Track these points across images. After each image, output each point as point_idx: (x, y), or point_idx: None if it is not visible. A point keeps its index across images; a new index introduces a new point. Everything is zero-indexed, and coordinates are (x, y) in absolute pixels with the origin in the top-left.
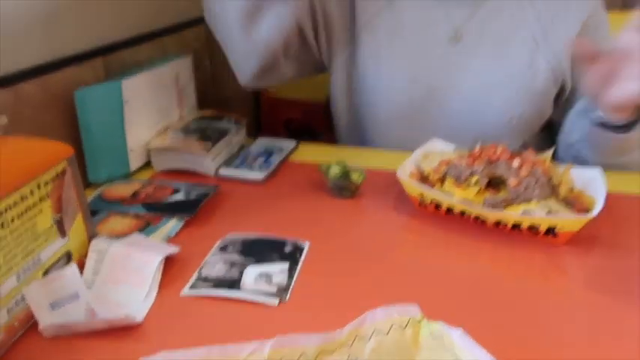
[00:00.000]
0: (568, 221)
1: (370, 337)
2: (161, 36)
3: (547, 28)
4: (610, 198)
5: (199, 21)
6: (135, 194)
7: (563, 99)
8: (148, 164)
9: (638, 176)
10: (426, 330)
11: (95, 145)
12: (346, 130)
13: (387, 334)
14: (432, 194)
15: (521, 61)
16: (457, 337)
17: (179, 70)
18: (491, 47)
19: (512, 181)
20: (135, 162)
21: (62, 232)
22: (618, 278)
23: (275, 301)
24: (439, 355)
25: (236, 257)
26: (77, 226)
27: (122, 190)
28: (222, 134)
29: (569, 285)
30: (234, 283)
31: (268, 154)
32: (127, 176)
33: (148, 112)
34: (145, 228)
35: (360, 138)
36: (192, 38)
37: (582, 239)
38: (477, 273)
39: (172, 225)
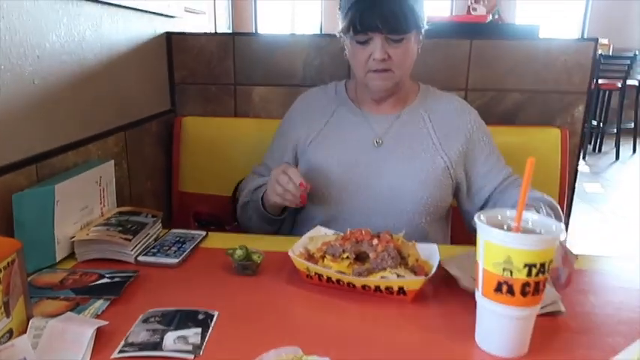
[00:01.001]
0: (411, 282)
1: None
2: (86, 144)
3: (441, 140)
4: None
5: (119, 129)
6: (63, 281)
7: (462, 191)
8: (71, 255)
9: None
10: None
11: (27, 239)
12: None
13: None
14: (315, 268)
15: (426, 159)
16: None
17: (102, 172)
18: (404, 149)
19: (372, 255)
20: (60, 253)
21: (7, 312)
22: (450, 321)
23: (191, 356)
24: None
25: (157, 326)
26: (19, 308)
27: (50, 277)
28: (140, 226)
29: (415, 330)
30: (156, 346)
31: (181, 242)
32: (52, 266)
33: (74, 210)
34: (75, 308)
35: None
36: (113, 144)
37: (423, 296)
38: (350, 324)
39: (99, 304)
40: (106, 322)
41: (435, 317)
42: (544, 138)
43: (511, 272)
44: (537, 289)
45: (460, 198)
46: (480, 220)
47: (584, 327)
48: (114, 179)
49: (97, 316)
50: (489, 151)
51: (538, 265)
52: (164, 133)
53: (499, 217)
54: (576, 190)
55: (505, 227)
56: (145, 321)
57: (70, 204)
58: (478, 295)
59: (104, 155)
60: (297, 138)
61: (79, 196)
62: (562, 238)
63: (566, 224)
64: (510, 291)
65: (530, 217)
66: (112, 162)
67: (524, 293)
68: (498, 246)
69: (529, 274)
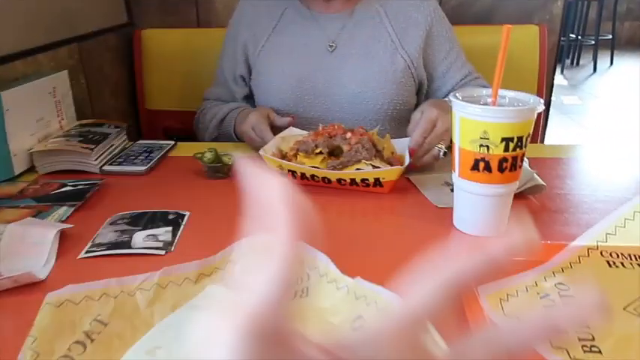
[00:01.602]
0: (388, 172)
1: (238, 260)
2: (35, 54)
3: (400, 36)
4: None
5: (71, 40)
6: (22, 191)
7: (423, 93)
8: (32, 169)
9: None
10: None
11: None
12: None
13: (251, 255)
14: (288, 165)
15: (385, 61)
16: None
17: (56, 83)
18: (361, 51)
19: (346, 148)
20: (18, 166)
21: None
22: (428, 209)
23: (162, 252)
24: None
25: (125, 227)
26: None
27: (9, 189)
28: (103, 137)
29: (393, 220)
30: (125, 244)
31: (149, 152)
32: (11, 180)
33: (28, 120)
34: (37, 215)
35: None
36: (66, 56)
37: (401, 187)
38: (327, 218)
39: (63, 211)
40: (70, 225)
41: (413, 206)
42: (522, 36)
43: (488, 148)
44: (515, 164)
45: (419, 100)
46: (455, 98)
47: (561, 207)
48: (70, 92)
49: (62, 222)
50: (449, 47)
51: (515, 139)
52: (124, 48)
53: (474, 95)
54: (554, 102)
55: (481, 103)
56: (113, 223)
57: (22, 114)
58: (455, 176)
59: (58, 68)
60: (244, 43)
61: (32, 106)
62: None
63: (542, 136)
64: (487, 168)
65: (507, 93)
66: (66, 72)
67: (501, 169)
68: (474, 121)
69: (506, 148)
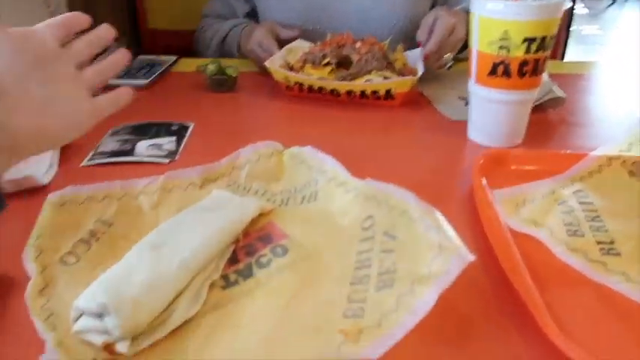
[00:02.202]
0: (400, 82)
1: (244, 166)
2: None
3: None
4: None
5: None
6: None
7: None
8: None
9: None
10: (287, 155)
11: None
12: None
13: (257, 161)
14: (295, 77)
15: None
16: (307, 151)
17: None
18: None
19: (355, 58)
20: None
21: None
22: (441, 121)
23: (166, 160)
24: (298, 169)
25: (128, 136)
26: None
27: None
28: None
29: (405, 133)
30: (128, 152)
31: (150, 66)
32: None
33: None
34: None
35: None
36: None
37: (413, 101)
38: (335, 132)
39: None
40: None
41: (425, 120)
42: None
43: (508, 50)
44: (536, 68)
45: None
46: None
47: (581, 120)
48: (65, 3)
49: None
50: None
51: (538, 40)
52: None
53: None
54: (574, 33)
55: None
56: (115, 133)
57: (14, 25)
58: (471, 83)
59: None
60: None
61: (25, 18)
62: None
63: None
64: (506, 72)
65: None
66: None
67: (521, 74)
68: (495, 20)
69: (528, 50)
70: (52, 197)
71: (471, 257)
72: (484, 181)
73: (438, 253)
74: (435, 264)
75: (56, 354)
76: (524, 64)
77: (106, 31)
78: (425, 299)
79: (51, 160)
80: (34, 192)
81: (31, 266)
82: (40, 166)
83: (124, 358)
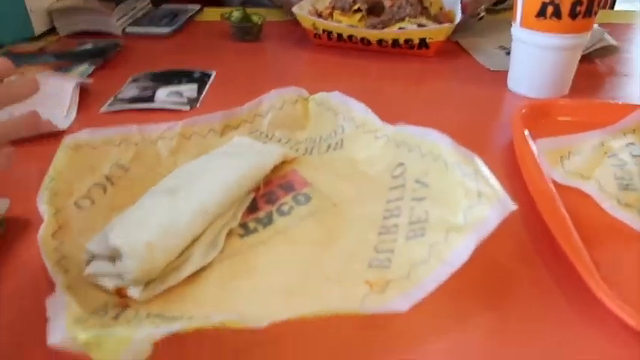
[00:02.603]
0: (435, 31)
1: (267, 113)
2: None
3: None
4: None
5: None
6: (42, 49)
7: None
8: (53, 30)
9: None
10: (312, 101)
11: None
12: None
13: (281, 109)
14: (323, 24)
15: None
16: (334, 97)
17: None
18: None
19: (387, 3)
20: (38, 25)
21: None
22: (479, 71)
23: (186, 108)
24: (324, 117)
25: (148, 83)
26: None
27: (28, 47)
28: None
29: (440, 84)
30: (148, 99)
31: (174, 15)
32: (32, 40)
33: None
34: (57, 71)
35: None
36: None
37: (448, 51)
38: (367, 86)
39: (84, 68)
40: (90, 80)
41: (462, 70)
42: None
43: None
44: (590, 9)
45: None
46: None
47: (632, 71)
48: None
49: None
50: None
51: None
52: None
53: None
54: None
55: None
56: (135, 80)
57: None
58: (515, 28)
59: None
60: None
61: None
62: None
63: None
64: (557, 13)
65: None
66: None
67: (573, 14)
68: None
69: None
70: (68, 140)
71: (513, 206)
72: (526, 133)
73: (476, 200)
74: (472, 212)
75: (65, 297)
76: (577, 3)
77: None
78: (460, 249)
79: (70, 105)
80: (51, 136)
81: (44, 208)
82: (59, 111)
83: (136, 304)
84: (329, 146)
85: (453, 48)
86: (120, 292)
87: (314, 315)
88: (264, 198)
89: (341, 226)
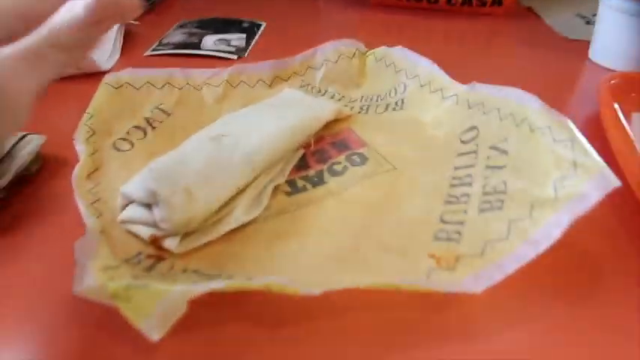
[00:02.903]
0: None
1: (321, 67)
2: None
3: None
4: None
5: None
6: None
7: None
8: None
9: None
10: (372, 57)
11: None
12: None
13: (336, 62)
14: None
15: None
16: (397, 52)
17: None
18: None
19: None
20: None
21: None
22: (549, 39)
23: (234, 56)
24: (383, 74)
25: (195, 30)
26: None
27: None
28: None
29: (511, 49)
30: (194, 46)
31: None
32: None
33: None
34: None
35: None
36: None
37: (522, 11)
38: (431, 47)
39: None
40: (136, 22)
41: (536, 36)
42: None
43: None
44: None
45: None
46: None
47: None
48: None
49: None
50: None
51: None
52: None
53: None
54: None
55: None
56: (182, 26)
57: None
58: None
59: None
60: None
61: None
62: None
63: None
64: None
65: None
66: None
67: None
68: None
69: None
70: (109, 78)
71: (617, 181)
72: (616, 106)
73: (571, 171)
74: (565, 184)
75: (95, 242)
76: None
77: None
78: (549, 227)
79: (113, 46)
80: (93, 76)
81: (81, 148)
82: (102, 52)
83: (172, 257)
84: (387, 106)
85: (525, 13)
86: (155, 242)
87: (371, 285)
88: (315, 156)
89: (400, 192)
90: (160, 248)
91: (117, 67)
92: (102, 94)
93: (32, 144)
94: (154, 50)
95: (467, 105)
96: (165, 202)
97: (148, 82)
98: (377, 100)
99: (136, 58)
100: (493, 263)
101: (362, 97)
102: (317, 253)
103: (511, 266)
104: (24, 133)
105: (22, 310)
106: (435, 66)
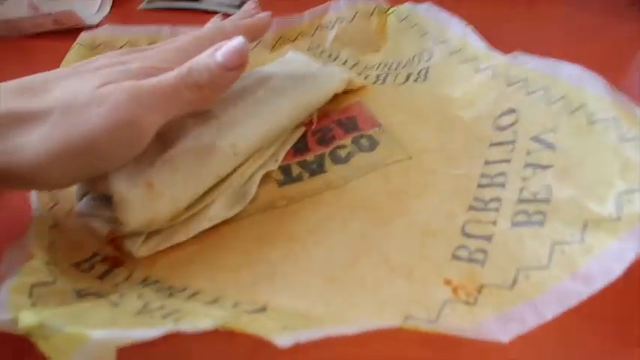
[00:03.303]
0: None
1: (333, 26)
2: None
3: None
4: None
5: None
6: None
7: None
8: None
9: None
10: (393, 16)
11: None
12: None
13: (351, 21)
14: None
15: None
16: (424, 10)
17: None
18: None
19: None
20: None
21: None
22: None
23: (237, 10)
24: (406, 36)
25: None
26: None
27: None
28: None
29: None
30: None
31: None
32: None
33: None
34: None
35: None
36: None
37: None
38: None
39: None
40: None
41: None
42: None
43: None
44: None
45: None
46: None
47: None
48: None
49: None
50: None
51: None
52: None
53: None
54: None
55: None
56: None
57: None
58: None
59: None
60: None
61: None
62: None
63: None
64: None
65: None
66: None
67: None
68: None
69: None
70: (83, 37)
71: None
72: None
73: None
74: (632, 200)
75: (29, 247)
76: None
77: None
78: (607, 258)
79: (101, 1)
80: (75, 32)
81: None
82: (89, 4)
83: (132, 262)
84: (408, 76)
85: None
86: (114, 242)
87: (358, 329)
88: (317, 136)
89: (415, 189)
90: (120, 249)
91: (104, 23)
92: (72, 57)
93: None
94: (149, 3)
95: (506, 81)
96: (120, 198)
97: (128, 42)
98: (397, 68)
99: (128, 12)
100: (527, 301)
101: (380, 63)
102: (303, 268)
103: (551, 308)
104: None
105: None
106: (469, 29)
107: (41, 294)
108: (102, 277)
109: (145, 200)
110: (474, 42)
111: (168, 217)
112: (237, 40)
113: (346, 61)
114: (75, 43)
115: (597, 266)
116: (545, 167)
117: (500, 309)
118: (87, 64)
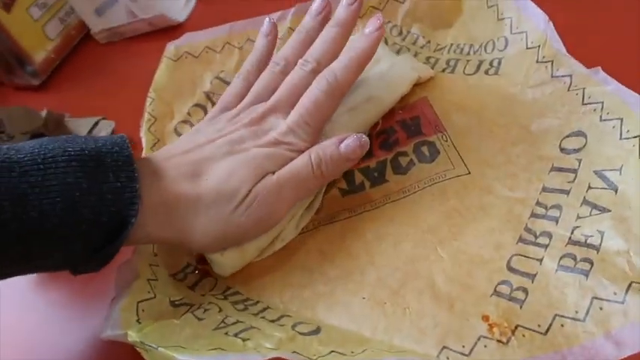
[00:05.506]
0: None
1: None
2: None
3: None
4: None
5: None
6: None
7: None
8: None
9: None
10: None
11: None
12: None
13: None
14: None
15: None
16: None
17: None
18: None
19: None
20: None
21: None
22: None
23: None
24: (481, 15)
25: None
26: None
27: None
28: None
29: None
30: None
31: None
32: None
33: None
34: None
35: None
36: None
37: None
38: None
39: None
40: None
41: None
42: None
43: None
44: None
45: None
46: None
47: None
48: None
49: None
50: None
51: None
52: None
53: None
54: None
55: None
56: None
57: None
58: None
59: None
60: None
61: None
62: None
63: None
64: None
65: None
66: None
67: None
68: None
69: None
70: (169, 51)
71: None
72: None
73: None
74: None
75: (136, 266)
76: None
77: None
78: None
79: None
80: (170, 31)
81: (144, 139)
82: (177, 4)
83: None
84: (480, 64)
85: None
86: (201, 260)
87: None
88: (380, 138)
89: (469, 212)
90: (205, 265)
91: (192, 17)
92: (162, 71)
93: (104, 132)
94: None
95: (581, 97)
96: (214, 261)
97: (207, 47)
98: (469, 53)
99: (215, 1)
100: (558, 351)
101: (451, 44)
102: (355, 288)
103: None
104: (97, 119)
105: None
106: (551, 26)
107: (144, 308)
108: (192, 287)
109: (237, 260)
110: (554, 42)
111: (254, 256)
112: (362, 137)
113: (416, 40)
114: (163, 57)
115: (631, 333)
116: (602, 210)
117: (531, 354)
118: (230, 132)
